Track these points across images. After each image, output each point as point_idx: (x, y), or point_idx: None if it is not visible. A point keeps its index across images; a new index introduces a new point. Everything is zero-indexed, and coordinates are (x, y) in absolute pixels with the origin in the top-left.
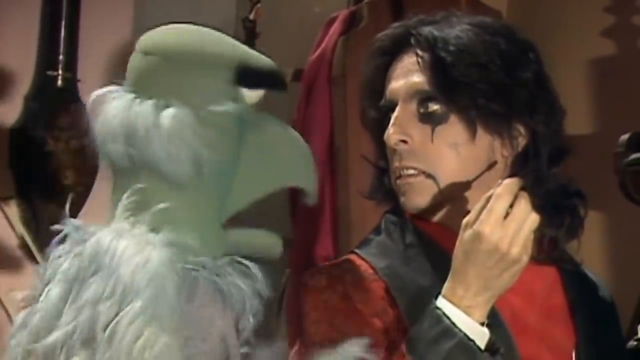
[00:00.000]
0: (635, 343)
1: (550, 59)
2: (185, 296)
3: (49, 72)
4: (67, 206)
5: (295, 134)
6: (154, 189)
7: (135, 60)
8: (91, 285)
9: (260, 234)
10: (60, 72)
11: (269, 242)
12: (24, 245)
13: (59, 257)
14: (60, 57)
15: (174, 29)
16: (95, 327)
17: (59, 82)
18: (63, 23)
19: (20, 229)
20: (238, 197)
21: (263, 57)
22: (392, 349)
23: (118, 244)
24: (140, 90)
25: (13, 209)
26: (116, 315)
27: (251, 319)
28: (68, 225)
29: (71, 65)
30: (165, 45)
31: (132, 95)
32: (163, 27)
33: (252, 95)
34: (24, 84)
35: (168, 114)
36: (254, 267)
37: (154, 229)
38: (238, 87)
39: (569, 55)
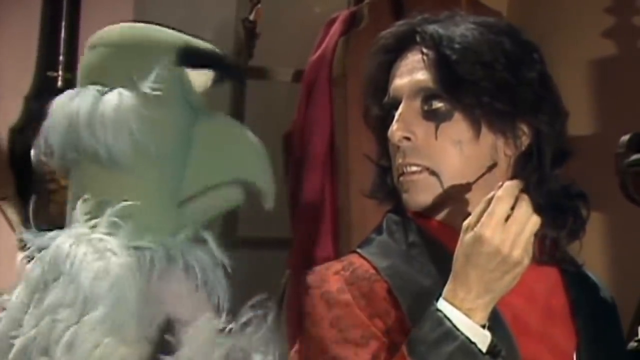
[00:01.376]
0: (635, 344)
1: (550, 59)
2: (145, 280)
3: (49, 73)
4: (30, 212)
5: (251, 134)
6: (107, 184)
7: (83, 58)
8: (51, 292)
9: (216, 192)
10: (60, 72)
11: (226, 194)
12: (23, 246)
13: (25, 263)
14: (61, 57)
15: (119, 25)
16: (54, 334)
17: (59, 83)
18: (63, 24)
19: (20, 229)
20: (191, 182)
21: (205, 42)
22: (394, 349)
23: (77, 250)
24: (89, 82)
25: (12, 210)
26: (75, 322)
27: (222, 290)
28: (30, 231)
29: (71, 66)
30: (109, 35)
31: (77, 89)
32: (109, 26)
33: (200, 78)
34: (24, 85)
35: (108, 98)
36: (210, 237)
37: (112, 230)
38: (182, 68)
39: (569, 56)
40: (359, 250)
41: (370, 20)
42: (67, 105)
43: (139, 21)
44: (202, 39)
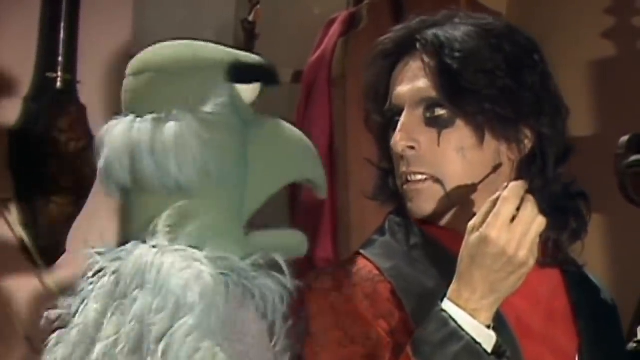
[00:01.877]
0: (635, 345)
1: (549, 60)
2: (229, 306)
3: (49, 74)
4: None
5: (296, 129)
6: (175, 209)
7: (127, 84)
8: (136, 299)
9: (283, 233)
10: (59, 73)
11: (294, 241)
12: (23, 248)
13: (94, 275)
14: (60, 58)
15: (160, 46)
16: (144, 339)
17: (59, 84)
18: (62, 25)
19: (20, 231)
20: (253, 196)
21: (249, 54)
22: (398, 350)
23: (163, 260)
24: (139, 110)
25: (12, 211)
26: (169, 328)
27: (282, 320)
28: (101, 246)
29: (70, 66)
30: (153, 59)
31: (132, 117)
32: (148, 49)
33: (248, 92)
34: (23, 86)
35: (168, 124)
36: (281, 263)
37: (192, 245)
38: (233, 85)
39: (568, 57)
40: (362, 251)
41: (370, 21)
42: (126, 135)
43: (138, 23)
44: (202, 39)
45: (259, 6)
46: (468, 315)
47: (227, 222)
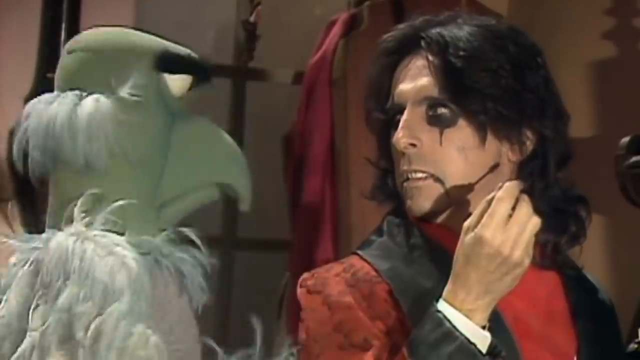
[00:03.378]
0: (635, 346)
1: (550, 61)
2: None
3: (49, 75)
4: (9, 217)
5: (226, 135)
6: (87, 188)
7: (61, 62)
8: (61, 290)
9: (190, 196)
10: None
11: (202, 196)
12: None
13: (12, 266)
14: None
15: (98, 29)
16: (73, 328)
17: None
18: (63, 25)
19: (20, 231)
20: (169, 185)
21: (182, 48)
22: (396, 351)
23: (84, 247)
24: (66, 87)
25: (13, 212)
26: (97, 315)
27: (200, 290)
28: (16, 236)
29: None
30: (87, 40)
31: (55, 94)
32: (87, 30)
33: (177, 84)
34: (24, 86)
35: (86, 102)
36: (193, 237)
37: (109, 228)
38: (160, 73)
39: (569, 58)
40: (359, 252)
41: (371, 22)
42: (45, 110)
43: (139, 24)
44: (203, 40)
45: (260, 7)
46: (463, 316)
47: (141, 203)
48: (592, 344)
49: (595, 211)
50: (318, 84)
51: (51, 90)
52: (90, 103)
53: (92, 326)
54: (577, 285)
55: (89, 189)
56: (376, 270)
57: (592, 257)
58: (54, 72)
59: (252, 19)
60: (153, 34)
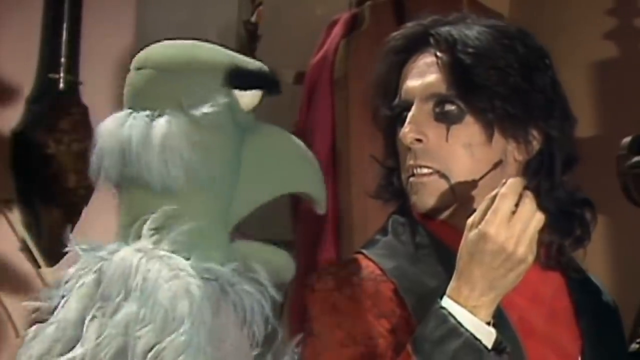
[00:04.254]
0: (637, 346)
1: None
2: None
3: (51, 75)
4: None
5: (299, 141)
6: (168, 207)
7: (129, 78)
8: (120, 306)
9: (268, 249)
10: (62, 74)
11: (278, 260)
12: (25, 249)
13: (76, 272)
14: (62, 59)
15: (165, 44)
16: (128, 349)
17: (61, 85)
18: (65, 25)
19: (22, 232)
20: (242, 203)
21: (252, 60)
22: (400, 350)
23: (149, 266)
24: (136, 105)
25: (15, 212)
26: (156, 342)
27: (262, 325)
28: (84, 243)
29: (73, 67)
30: (155, 56)
31: (128, 111)
32: (155, 44)
33: (247, 99)
34: (25, 87)
35: (160, 122)
36: (262, 272)
37: (176, 249)
38: (231, 90)
39: (571, 58)
40: (364, 251)
41: (372, 22)
42: (118, 131)
43: (141, 24)
44: (204, 41)
45: (261, 7)
46: (468, 312)
47: (212, 226)
48: (595, 343)
49: (597, 211)
50: (319, 84)
51: (52, 91)
52: (164, 124)
53: (151, 353)
54: (580, 286)
55: (160, 207)
56: (381, 269)
57: (593, 256)
58: (55, 72)
59: (253, 19)
60: (155, 35)
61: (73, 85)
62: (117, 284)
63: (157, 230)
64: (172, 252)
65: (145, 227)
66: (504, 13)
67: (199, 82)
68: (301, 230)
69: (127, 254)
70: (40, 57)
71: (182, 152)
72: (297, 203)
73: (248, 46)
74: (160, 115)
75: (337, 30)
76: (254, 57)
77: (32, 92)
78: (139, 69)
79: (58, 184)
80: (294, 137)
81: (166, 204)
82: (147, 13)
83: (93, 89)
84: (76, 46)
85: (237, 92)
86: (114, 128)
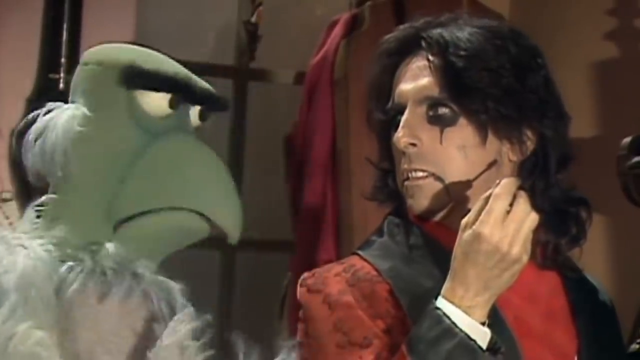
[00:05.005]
0: (637, 346)
1: (552, 61)
2: (62, 289)
3: (51, 75)
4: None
5: (219, 161)
6: (45, 196)
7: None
8: None
9: (153, 219)
10: (62, 74)
11: (178, 222)
12: None
13: None
14: (63, 60)
15: (114, 45)
16: None
17: (61, 85)
18: (65, 26)
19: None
20: (128, 202)
21: (161, 63)
22: (396, 350)
23: None
24: (74, 97)
25: (14, 211)
26: None
27: (158, 299)
28: None
29: (73, 68)
30: (87, 54)
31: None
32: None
33: (154, 101)
34: (26, 87)
35: (57, 114)
36: (122, 250)
37: (35, 232)
38: (129, 89)
39: (571, 58)
40: (359, 252)
41: (372, 22)
42: (39, 122)
43: (141, 24)
44: (204, 41)
45: (261, 7)
46: (462, 313)
47: (83, 212)
48: (592, 343)
49: (597, 211)
50: (319, 85)
51: (52, 91)
52: (58, 113)
53: None
54: (577, 285)
55: (43, 196)
56: (377, 270)
57: (593, 257)
58: (55, 72)
59: (253, 19)
60: (154, 35)
61: None
62: None
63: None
64: (33, 237)
65: None
66: (504, 13)
67: (96, 78)
68: (301, 230)
69: None
70: (40, 57)
71: (60, 142)
72: (297, 204)
73: (248, 46)
74: (63, 108)
75: (337, 30)
76: (253, 57)
77: (32, 92)
78: (82, 65)
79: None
80: (214, 158)
81: (54, 190)
82: (148, 13)
83: None
84: (76, 46)
85: (142, 94)
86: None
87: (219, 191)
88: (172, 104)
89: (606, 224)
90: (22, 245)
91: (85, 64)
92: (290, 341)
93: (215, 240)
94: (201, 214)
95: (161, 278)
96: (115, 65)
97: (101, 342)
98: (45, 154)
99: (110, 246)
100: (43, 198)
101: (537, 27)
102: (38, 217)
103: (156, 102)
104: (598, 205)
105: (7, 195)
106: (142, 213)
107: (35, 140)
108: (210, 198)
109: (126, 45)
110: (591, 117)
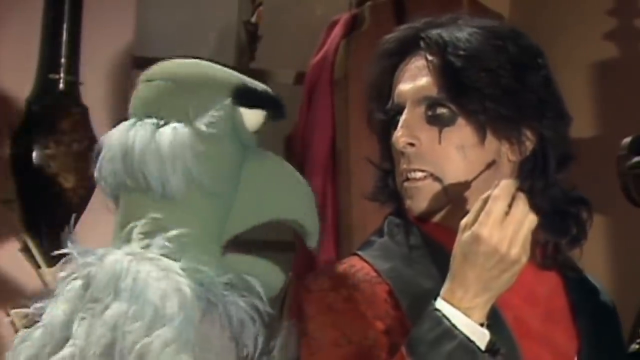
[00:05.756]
0: (637, 346)
1: (552, 61)
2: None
3: (51, 75)
4: (71, 229)
5: (297, 173)
6: (158, 214)
7: (137, 90)
8: (110, 306)
9: (261, 263)
10: (62, 75)
11: (270, 274)
12: (25, 249)
13: (64, 277)
14: (62, 60)
15: (176, 60)
16: (116, 346)
17: (61, 85)
18: (65, 26)
19: (22, 233)
20: (237, 220)
21: (259, 82)
22: (395, 351)
23: (139, 268)
24: (143, 114)
25: (15, 212)
26: (144, 337)
27: (252, 340)
28: (74, 248)
29: (73, 68)
30: (167, 70)
31: (134, 119)
32: (167, 61)
33: (252, 118)
34: (25, 87)
35: (165, 131)
36: (257, 286)
37: (166, 254)
38: (236, 107)
39: (571, 58)
40: (359, 252)
41: (372, 22)
42: (123, 136)
43: (141, 24)
44: (204, 41)
45: (261, 7)
46: (462, 314)
47: (204, 236)
48: (592, 343)
49: (597, 212)
50: (319, 85)
51: (52, 91)
52: (169, 132)
53: (138, 347)
54: (577, 285)
55: (154, 212)
56: (376, 271)
57: (593, 257)
58: (55, 72)
59: (253, 19)
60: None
61: (73, 85)
62: (107, 286)
63: (146, 234)
64: (161, 256)
65: (135, 231)
66: (504, 13)
67: (206, 96)
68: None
69: (117, 257)
70: (40, 57)
71: (185, 160)
72: None
73: (248, 46)
74: (165, 124)
75: (337, 30)
76: (253, 57)
77: (32, 93)
78: (148, 80)
79: (58, 184)
80: (293, 169)
81: (160, 209)
82: (147, 14)
83: (93, 89)
84: (76, 47)
85: (242, 111)
86: (119, 134)
87: (306, 200)
88: (266, 121)
89: (606, 224)
90: (176, 272)
91: (176, 80)
92: (289, 323)
93: None
94: (298, 223)
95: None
96: (226, 84)
97: None
98: (161, 168)
99: (227, 276)
100: (148, 219)
101: (537, 27)
102: (144, 234)
103: (254, 118)
104: (598, 205)
105: (7, 196)
106: (247, 230)
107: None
108: (302, 207)
109: (204, 63)
110: (591, 117)
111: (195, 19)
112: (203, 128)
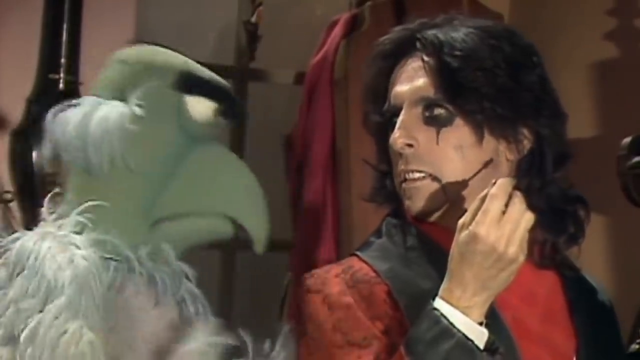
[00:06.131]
0: (637, 346)
1: (552, 61)
2: (112, 289)
3: (51, 75)
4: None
5: (250, 173)
6: (81, 190)
7: (105, 69)
8: (15, 284)
9: (195, 220)
10: (62, 75)
11: (211, 225)
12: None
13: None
14: (62, 60)
15: (143, 46)
16: (17, 323)
17: (61, 85)
18: (65, 26)
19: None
20: (171, 203)
21: (208, 71)
22: (394, 351)
23: (42, 245)
24: (108, 95)
25: (15, 212)
26: (40, 311)
27: (189, 302)
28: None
29: (73, 68)
30: (125, 53)
31: (91, 99)
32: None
33: (200, 107)
34: (25, 87)
35: (99, 109)
36: (170, 252)
37: (77, 231)
38: (180, 93)
39: (570, 58)
40: (358, 253)
41: (372, 22)
42: (66, 112)
43: (141, 24)
44: (204, 41)
45: (261, 7)
46: (460, 313)
47: (125, 211)
48: (591, 343)
49: (597, 211)
50: (319, 85)
51: (52, 91)
52: (103, 109)
53: (31, 322)
54: (576, 285)
55: (82, 190)
56: (375, 271)
57: (593, 257)
58: (55, 72)
59: (253, 19)
60: (153, 35)
61: (73, 85)
62: (16, 268)
63: (60, 214)
64: (74, 232)
65: (44, 210)
66: (504, 13)
67: (147, 79)
68: (301, 230)
69: (26, 238)
70: (40, 58)
71: (111, 139)
72: (296, 204)
73: (248, 46)
74: (103, 103)
75: (337, 30)
76: (253, 57)
77: (32, 93)
78: (111, 62)
79: (58, 184)
80: (247, 169)
81: (88, 185)
82: (147, 13)
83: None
84: (76, 47)
85: (189, 99)
86: (65, 110)
87: (252, 200)
88: (216, 114)
89: (606, 224)
90: (75, 244)
91: (124, 62)
92: (287, 326)
93: (216, 240)
94: (235, 221)
95: (188, 282)
96: (169, 68)
97: (144, 343)
98: (87, 146)
99: (147, 247)
100: (70, 193)
101: (537, 27)
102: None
103: (202, 109)
104: (598, 205)
105: (8, 196)
106: (181, 214)
107: (66, 130)
108: (245, 206)
109: (159, 49)
110: (591, 117)
111: (195, 19)
112: (136, 109)
